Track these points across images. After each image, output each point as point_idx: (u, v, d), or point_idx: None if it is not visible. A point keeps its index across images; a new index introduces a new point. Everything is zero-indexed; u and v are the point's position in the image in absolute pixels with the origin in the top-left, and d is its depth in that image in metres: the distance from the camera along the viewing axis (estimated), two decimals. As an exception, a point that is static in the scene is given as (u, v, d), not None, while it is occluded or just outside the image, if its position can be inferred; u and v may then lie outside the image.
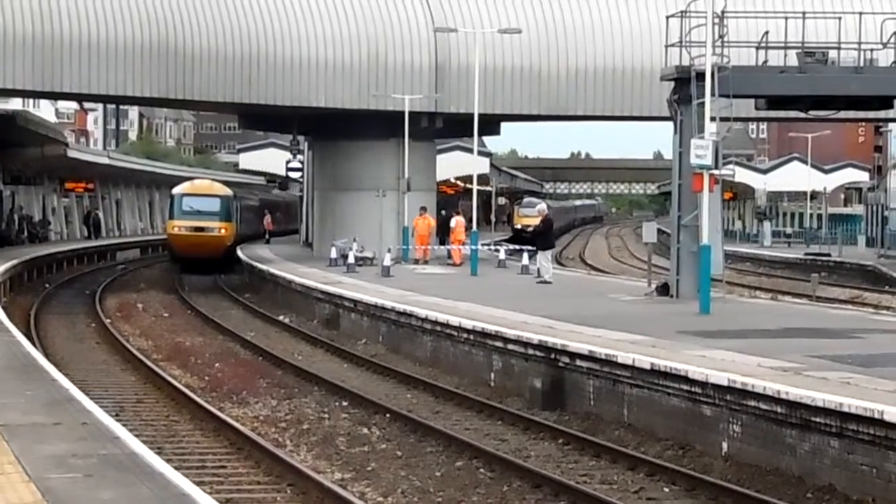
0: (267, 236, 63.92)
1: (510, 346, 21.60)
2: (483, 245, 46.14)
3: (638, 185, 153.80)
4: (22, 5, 39.08)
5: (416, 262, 43.25)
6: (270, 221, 66.62)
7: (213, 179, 63.31)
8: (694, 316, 24.72)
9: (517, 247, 45.52)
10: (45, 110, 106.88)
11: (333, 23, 43.38)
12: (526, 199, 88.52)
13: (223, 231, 49.05)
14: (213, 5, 41.86)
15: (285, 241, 64.62)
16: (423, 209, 43.34)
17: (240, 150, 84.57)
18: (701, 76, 26.10)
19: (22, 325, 28.34)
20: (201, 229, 48.56)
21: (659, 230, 36.29)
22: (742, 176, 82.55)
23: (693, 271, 27.09)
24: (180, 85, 41.36)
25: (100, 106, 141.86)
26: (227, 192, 52.21)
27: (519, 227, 77.04)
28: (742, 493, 13.97)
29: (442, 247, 46.47)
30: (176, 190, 51.54)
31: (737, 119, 28.68)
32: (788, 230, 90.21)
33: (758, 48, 28.90)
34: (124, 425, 13.95)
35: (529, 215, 73.35)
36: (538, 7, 44.50)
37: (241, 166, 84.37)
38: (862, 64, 28.61)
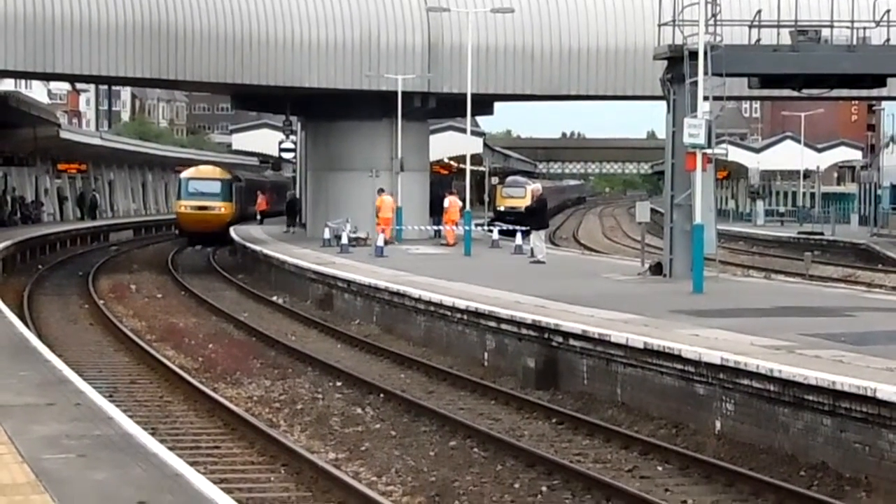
0: (259, 217, 63.69)
1: (503, 326, 21.62)
2: (476, 225, 46.12)
3: (631, 164, 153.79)
4: (13, -14, 38.91)
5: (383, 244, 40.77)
6: (264, 202, 66.52)
7: (208, 162, 69.05)
8: (687, 295, 24.75)
9: (511, 227, 45.30)
10: (37, 91, 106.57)
11: (326, 3, 43.27)
12: (510, 178, 76.87)
13: (223, 210, 55.38)
14: (205, -15, 41.69)
15: (279, 221, 64.56)
16: (381, 190, 42.94)
17: (233, 131, 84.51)
18: (694, 55, 26.08)
19: (15, 307, 28.35)
20: (204, 208, 54.91)
21: (652, 210, 36.19)
22: (735, 155, 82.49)
23: (686, 250, 27.10)
24: (173, 65, 41.26)
25: (92, 87, 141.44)
26: (228, 175, 58.38)
27: (502, 209, 66.68)
28: (735, 472, 14.01)
29: (430, 227, 46.40)
30: (183, 175, 58.29)
31: (730, 98, 28.66)
32: (781, 209, 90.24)
33: (750, 27, 28.86)
34: (118, 406, 13.96)
35: (515, 196, 67.50)
36: (531, -14, 44.36)
37: (234, 147, 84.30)
38: (855, 42, 28.59)
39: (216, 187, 56.41)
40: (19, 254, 46.17)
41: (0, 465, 10.23)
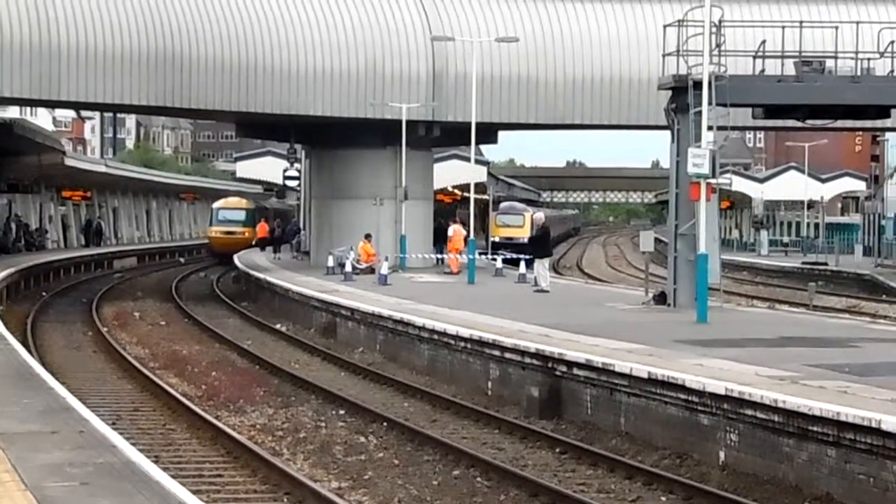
0: (255, 242, 63.61)
1: (507, 355, 21.59)
2: (480, 253, 46.08)
3: (635, 193, 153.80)
4: (20, 13, 39.08)
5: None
6: (263, 229, 66.66)
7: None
8: (691, 325, 24.71)
9: (514, 255, 45.13)
10: (42, 118, 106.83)
11: (331, 31, 43.41)
12: (505, 204, 68.73)
13: (247, 234, 65.64)
14: (211, 14, 41.88)
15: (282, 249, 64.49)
16: (368, 236, 43.26)
17: (237, 159, 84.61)
18: (698, 85, 26.12)
19: (19, 334, 28.33)
20: (231, 233, 66.67)
21: (656, 239, 36.20)
22: (739, 185, 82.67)
23: (690, 280, 27.08)
24: (178, 93, 41.35)
25: (97, 114, 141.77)
26: (250, 205, 70.33)
27: (497, 239, 60.24)
28: (739, 502, 13.95)
29: (434, 255, 46.46)
30: (214, 205, 71.53)
31: (734, 128, 28.69)
32: (785, 239, 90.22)
33: (755, 57, 28.92)
34: (121, 434, 13.93)
35: (511, 224, 61.61)
36: (535, 16, 44.53)
37: (239, 175, 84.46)
38: (859, 73, 28.64)
39: (241, 215, 67.82)
40: (23, 280, 46.18)
41: (3, 492, 10.21)
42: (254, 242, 63.74)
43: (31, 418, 13.92)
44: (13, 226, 63.98)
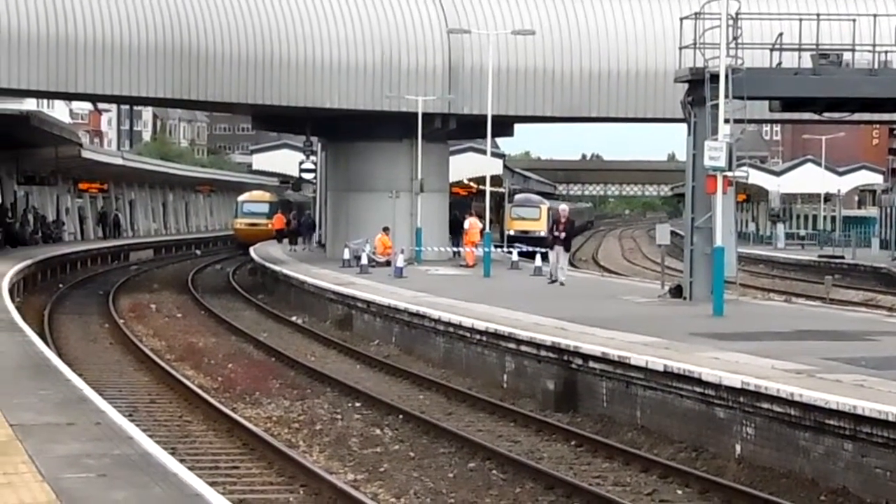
0: (277, 235, 63.93)
1: (523, 348, 21.59)
2: (496, 246, 46.03)
3: (651, 186, 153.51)
4: (37, 6, 39.17)
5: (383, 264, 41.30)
6: (280, 220, 66.81)
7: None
8: (707, 318, 24.68)
9: (530, 248, 44.96)
10: (59, 111, 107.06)
11: (347, 24, 43.40)
12: (520, 196, 65.31)
13: (270, 225, 67.46)
14: (228, 7, 41.92)
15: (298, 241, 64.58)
16: (386, 229, 43.44)
17: (253, 151, 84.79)
18: (715, 78, 26.06)
19: (35, 325, 28.41)
20: (255, 224, 70.47)
21: (672, 232, 36.16)
22: (756, 178, 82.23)
23: (706, 273, 27.04)
24: (194, 86, 41.41)
25: (114, 107, 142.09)
26: (274, 198, 74.58)
27: (512, 232, 57.14)
28: (755, 496, 13.94)
29: (450, 248, 46.44)
30: (239, 198, 76.02)
31: (751, 121, 28.63)
32: (802, 232, 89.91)
33: (772, 50, 28.83)
34: (137, 425, 13.97)
35: (527, 217, 58.51)
36: (552, 8, 44.47)
37: (255, 167, 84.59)
38: (876, 66, 28.53)
39: (265, 208, 71.41)
40: (40, 272, 46.32)
41: (21, 484, 10.25)
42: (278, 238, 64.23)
43: (48, 410, 13.96)
44: (30, 218, 64.18)
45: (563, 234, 34.09)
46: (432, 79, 43.76)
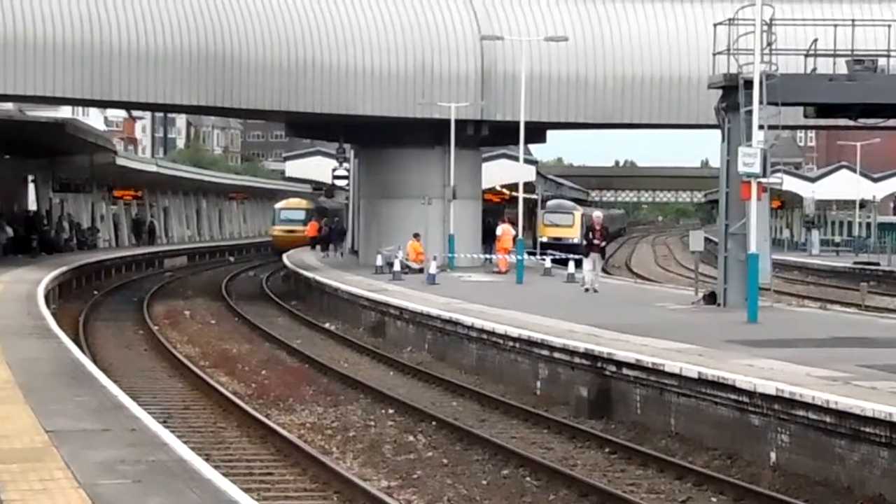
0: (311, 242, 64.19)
1: (556, 355, 21.56)
2: (529, 253, 45.98)
3: (684, 193, 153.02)
4: (72, 14, 39.43)
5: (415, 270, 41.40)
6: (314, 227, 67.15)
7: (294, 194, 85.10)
8: (742, 325, 24.58)
9: (565, 255, 44.84)
10: (94, 118, 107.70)
11: (380, 31, 43.49)
12: (553, 202, 65.09)
13: (306, 232, 67.88)
14: (261, 14, 42.08)
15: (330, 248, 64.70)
16: (417, 235, 43.51)
17: (286, 158, 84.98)
18: (749, 84, 25.98)
19: (71, 332, 28.55)
20: (292, 231, 72.16)
21: (706, 239, 36.02)
22: (790, 184, 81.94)
23: (741, 280, 26.94)
24: (228, 93, 41.59)
25: (148, 114, 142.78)
26: (310, 205, 76.23)
27: (545, 239, 57.55)
28: (790, 504, 13.87)
29: (483, 255, 46.46)
30: (276, 206, 78.85)
31: (785, 127, 28.57)
32: (837, 239, 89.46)
33: (806, 56, 28.72)
34: (172, 432, 14.02)
35: (560, 224, 58.58)
36: (584, 15, 44.45)
37: (288, 174, 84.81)
38: (912, 72, 28.38)
39: (301, 215, 73.49)
40: (75, 279, 46.57)
41: (57, 490, 10.30)
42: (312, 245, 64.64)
43: (84, 416, 14.03)
44: (65, 225, 64.56)
45: (602, 242, 34.19)
46: (465, 85, 43.79)
